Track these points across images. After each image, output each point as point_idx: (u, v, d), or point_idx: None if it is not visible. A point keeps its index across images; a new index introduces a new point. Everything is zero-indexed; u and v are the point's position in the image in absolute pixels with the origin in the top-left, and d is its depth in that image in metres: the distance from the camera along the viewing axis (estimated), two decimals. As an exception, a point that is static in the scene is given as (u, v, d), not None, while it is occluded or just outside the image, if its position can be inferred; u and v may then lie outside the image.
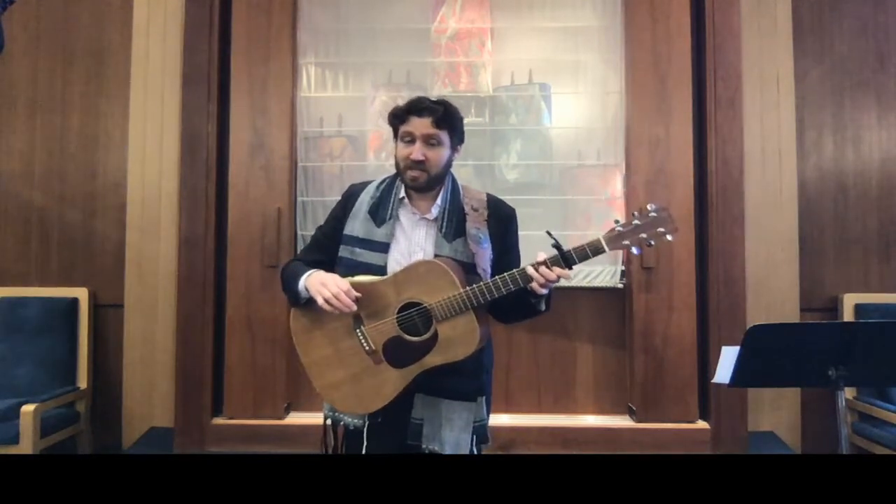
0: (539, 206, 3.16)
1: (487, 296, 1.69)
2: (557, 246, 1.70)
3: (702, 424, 3.04)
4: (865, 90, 3.45)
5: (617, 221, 1.72)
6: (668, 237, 1.69)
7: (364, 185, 1.93)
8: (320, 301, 1.73)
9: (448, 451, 1.77)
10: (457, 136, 1.85)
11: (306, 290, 1.79)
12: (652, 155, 3.09)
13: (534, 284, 1.67)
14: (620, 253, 3.16)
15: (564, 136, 3.35)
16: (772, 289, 3.35)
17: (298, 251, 3.04)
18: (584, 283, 3.16)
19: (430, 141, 1.79)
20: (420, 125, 1.79)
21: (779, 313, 3.31)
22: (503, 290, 1.69)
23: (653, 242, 1.70)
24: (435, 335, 1.73)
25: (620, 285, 3.16)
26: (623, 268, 3.16)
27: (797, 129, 3.41)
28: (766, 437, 3.24)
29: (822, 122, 3.46)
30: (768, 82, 3.41)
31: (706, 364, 3.05)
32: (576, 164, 3.30)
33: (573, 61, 3.33)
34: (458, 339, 1.71)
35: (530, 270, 1.68)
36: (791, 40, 3.42)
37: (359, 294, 1.74)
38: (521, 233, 1.95)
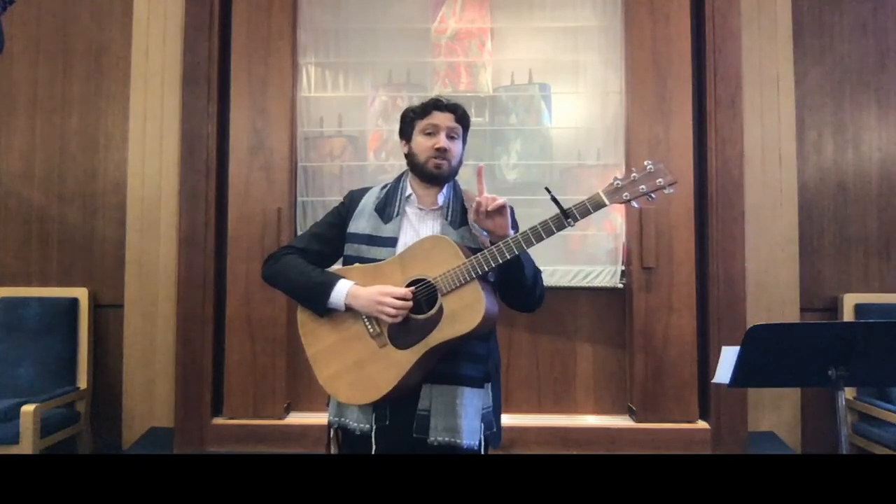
0: (539, 206, 3.14)
1: (492, 262, 1.69)
2: (557, 202, 1.70)
3: (702, 424, 3.05)
4: (865, 90, 3.45)
5: (616, 177, 1.73)
6: (667, 190, 1.71)
7: (364, 190, 1.96)
8: (387, 319, 1.73)
9: (457, 439, 1.74)
10: (467, 135, 1.95)
11: (346, 305, 1.77)
12: (652, 155, 3.07)
13: (475, 216, 1.72)
14: (620, 253, 3.16)
15: (564, 136, 3.35)
16: (772, 289, 3.35)
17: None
18: (584, 283, 3.16)
19: (451, 134, 1.87)
20: (444, 119, 1.87)
21: (779, 313, 3.31)
22: (507, 254, 1.69)
23: (653, 196, 1.71)
24: (440, 310, 1.71)
25: (620, 285, 3.16)
26: (623, 268, 3.16)
27: (797, 130, 3.41)
28: (766, 437, 3.24)
29: (822, 122, 3.46)
30: (768, 82, 3.41)
31: (706, 364, 3.06)
32: (576, 164, 3.30)
33: (573, 61, 3.33)
34: (463, 311, 1.69)
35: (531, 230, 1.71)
36: (791, 40, 3.42)
37: (412, 289, 1.74)
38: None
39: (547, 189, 1.75)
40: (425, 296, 1.73)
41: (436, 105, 1.88)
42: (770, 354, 1.81)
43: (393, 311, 1.71)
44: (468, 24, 3.32)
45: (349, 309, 1.78)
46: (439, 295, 1.71)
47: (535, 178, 3.27)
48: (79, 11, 3.51)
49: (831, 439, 3.15)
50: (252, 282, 3.08)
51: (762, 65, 3.40)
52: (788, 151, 3.40)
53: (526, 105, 3.29)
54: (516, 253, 1.70)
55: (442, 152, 1.83)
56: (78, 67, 3.50)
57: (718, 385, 2.03)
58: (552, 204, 1.72)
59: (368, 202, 1.90)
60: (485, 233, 1.80)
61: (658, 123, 3.11)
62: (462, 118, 1.89)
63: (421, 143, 1.87)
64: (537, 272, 1.86)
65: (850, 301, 3.31)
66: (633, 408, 3.09)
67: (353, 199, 1.94)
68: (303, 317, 1.85)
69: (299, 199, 3.24)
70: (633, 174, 1.71)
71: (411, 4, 3.37)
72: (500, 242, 1.71)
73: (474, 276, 1.69)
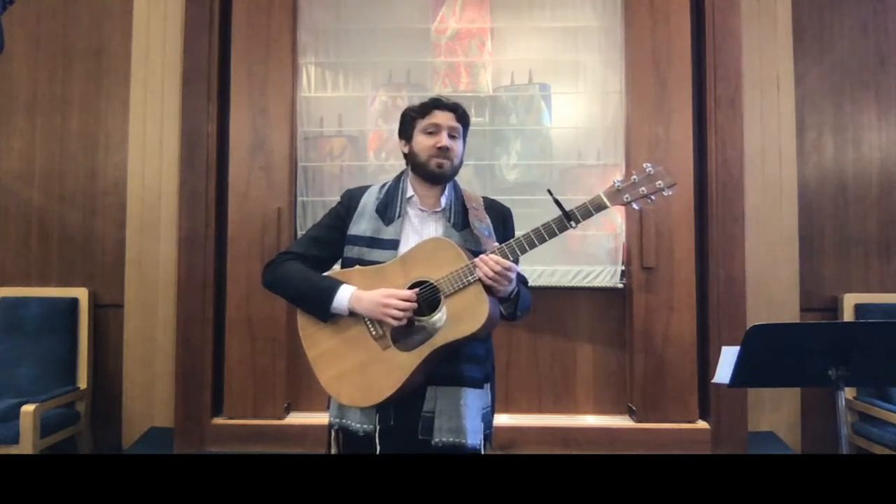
0: (539, 206, 3.15)
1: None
2: (559, 204, 1.71)
3: (702, 424, 3.04)
4: (865, 90, 3.45)
5: (616, 180, 1.75)
6: (667, 192, 1.73)
7: (363, 189, 1.94)
8: (391, 322, 1.72)
9: (461, 440, 1.74)
10: (467, 134, 1.95)
11: (349, 310, 1.76)
12: (652, 155, 3.08)
13: (481, 275, 1.69)
14: (620, 253, 3.16)
15: (564, 136, 3.35)
16: (772, 289, 3.35)
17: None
18: (584, 283, 3.16)
19: (452, 133, 1.87)
20: (445, 118, 1.87)
21: (779, 313, 3.31)
22: (510, 257, 1.70)
23: (653, 198, 1.74)
24: (444, 312, 1.71)
25: (620, 285, 3.16)
26: (623, 268, 3.16)
27: (797, 129, 3.41)
28: (766, 437, 3.25)
29: (822, 122, 3.46)
30: (768, 82, 3.41)
31: (706, 364, 3.05)
32: (576, 164, 3.30)
33: (573, 61, 3.33)
34: (467, 313, 1.69)
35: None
36: (791, 40, 3.43)
37: (415, 291, 1.73)
38: (520, 232, 1.95)
39: (549, 191, 1.76)
40: (427, 298, 1.73)
41: (436, 104, 1.88)
42: (770, 354, 1.81)
43: (398, 314, 1.70)
44: (468, 24, 3.32)
45: (352, 312, 1.77)
46: (442, 297, 1.71)
47: (535, 178, 3.26)
48: (79, 11, 3.51)
49: (831, 439, 3.15)
50: (252, 282, 3.08)
51: (762, 65, 3.40)
52: (788, 151, 3.40)
53: (526, 105, 3.29)
54: (519, 255, 1.71)
55: (444, 151, 1.83)
56: (78, 67, 3.50)
57: (718, 385, 2.03)
58: (552, 204, 1.73)
59: (368, 202, 1.89)
60: (486, 233, 1.80)
61: (658, 123, 3.11)
62: (462, 117, 1.90)
63: (422, 143, 1.86)
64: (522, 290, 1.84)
65: (850, 301, 3.31)
66: (633, 408, 3.09)
67: (351, 198, 1.92)
68: (303, 320, 1.84)
69: (299, 199, 3.24)
70: (634, 177, 1.73)
71: (411, 4, 3.37)
72: (503, 245, 1.71)
73: (477, 277, 1.69)
